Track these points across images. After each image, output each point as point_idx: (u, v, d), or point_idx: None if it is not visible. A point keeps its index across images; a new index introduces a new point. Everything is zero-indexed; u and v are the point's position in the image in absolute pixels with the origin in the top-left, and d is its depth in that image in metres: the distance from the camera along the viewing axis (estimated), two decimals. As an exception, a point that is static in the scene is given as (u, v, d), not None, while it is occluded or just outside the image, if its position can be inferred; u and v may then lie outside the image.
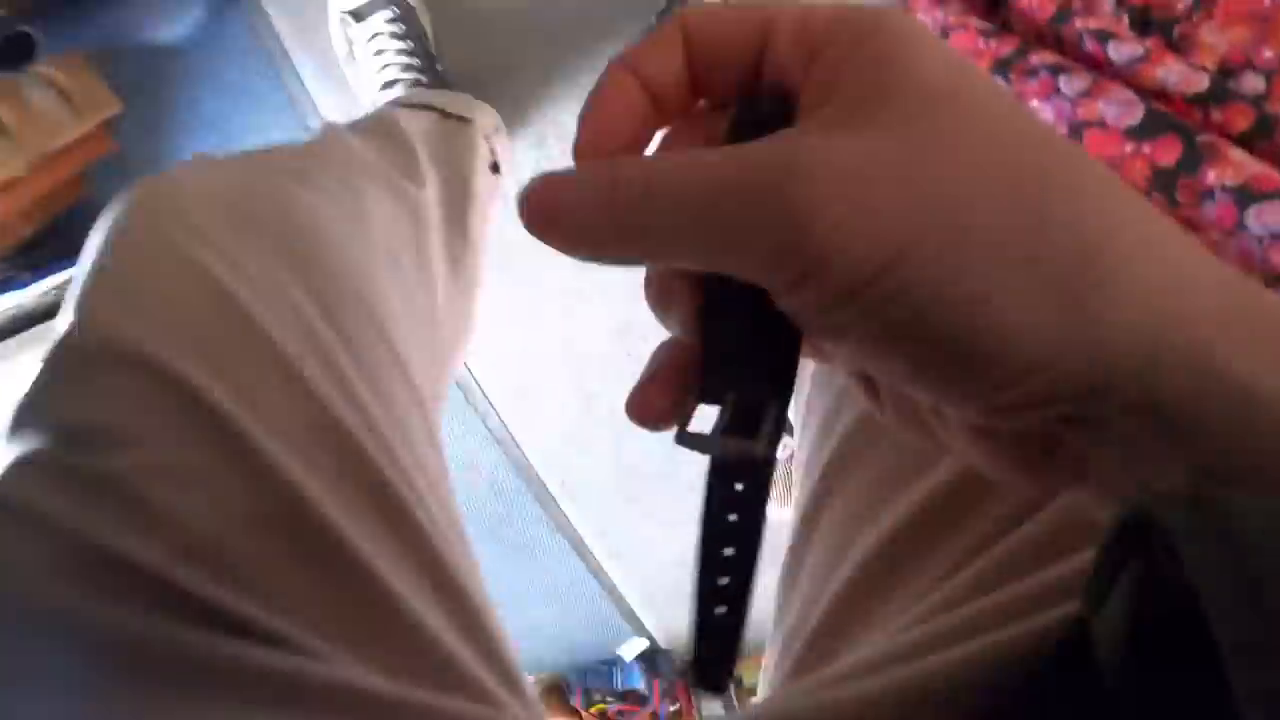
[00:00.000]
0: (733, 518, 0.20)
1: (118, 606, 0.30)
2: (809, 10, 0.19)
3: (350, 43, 0.98)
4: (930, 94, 0.16)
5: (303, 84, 1.05)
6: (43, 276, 0.99)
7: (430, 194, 0.63)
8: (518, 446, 1.23)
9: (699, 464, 0.20)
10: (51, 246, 1.04)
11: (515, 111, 1.04)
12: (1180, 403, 0.16)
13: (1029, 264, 0.15)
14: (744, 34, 0.19)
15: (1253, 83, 0.75)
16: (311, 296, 0.40)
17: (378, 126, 0.67)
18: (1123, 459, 0.17)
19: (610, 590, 1.34)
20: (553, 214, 0.18)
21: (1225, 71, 0.76)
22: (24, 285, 0.97)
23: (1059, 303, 0.15)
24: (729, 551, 0.20)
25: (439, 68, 0.98)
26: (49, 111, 0.99)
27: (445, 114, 0.80)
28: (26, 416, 0.34)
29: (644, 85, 0.20)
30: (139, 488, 0.31)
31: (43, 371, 0.36)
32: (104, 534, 0.30)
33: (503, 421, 1.21)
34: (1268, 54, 0.75)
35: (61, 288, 1.05)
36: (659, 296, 0.21)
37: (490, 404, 1.18)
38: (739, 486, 0.20)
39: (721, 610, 0.21)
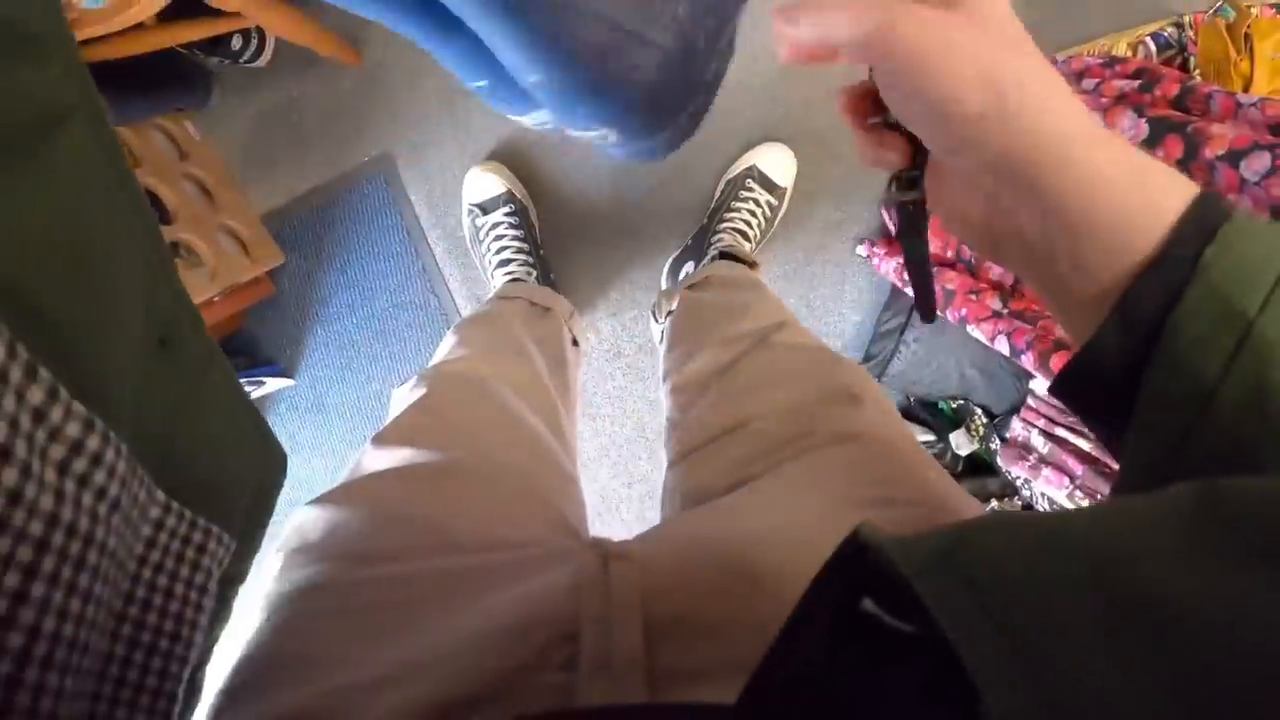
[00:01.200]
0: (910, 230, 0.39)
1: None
2: None
3: (477, 229, 1.26)
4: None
5: (434, 257, 1.32)
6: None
7: (541, 368, 0.87)
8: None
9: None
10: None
11: (599, 286, 1.29)
12: (1019, 135, 0.29)
13: (973, 62, 0.29)
14: None
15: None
16: (521, 436, 0.67)
17: (494, 322, 0.93)
18: (971, 182, 0.32)
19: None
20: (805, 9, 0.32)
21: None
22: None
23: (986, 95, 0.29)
24: (917, 245, 0.39)
25: (541, 251, 1.25)
26: (233, 256, 1.26)
27: (533, 304, 1.06)
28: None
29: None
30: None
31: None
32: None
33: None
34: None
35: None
36: (868, 136, 0.37)
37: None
38: (910, 214, 0.38)
39: (921, 277, 0.40)
